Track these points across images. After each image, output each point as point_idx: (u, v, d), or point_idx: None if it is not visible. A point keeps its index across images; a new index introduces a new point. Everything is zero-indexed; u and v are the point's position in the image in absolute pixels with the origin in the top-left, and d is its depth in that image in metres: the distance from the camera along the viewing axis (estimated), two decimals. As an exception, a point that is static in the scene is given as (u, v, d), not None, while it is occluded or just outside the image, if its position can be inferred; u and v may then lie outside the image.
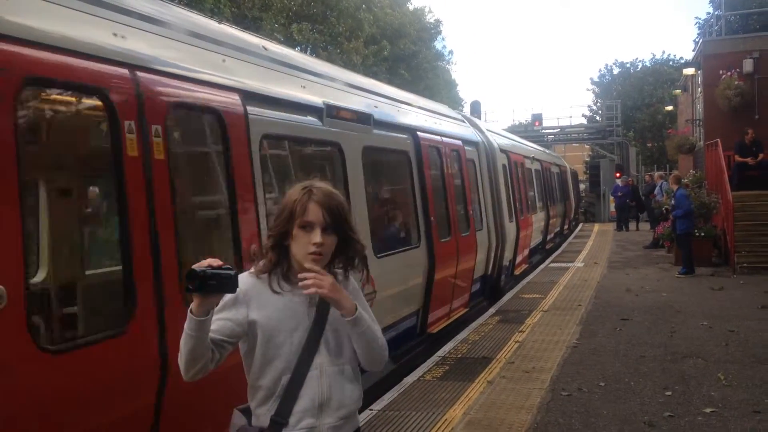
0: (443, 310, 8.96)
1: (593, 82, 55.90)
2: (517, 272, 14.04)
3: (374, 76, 18.95)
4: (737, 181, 15.68)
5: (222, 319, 2.39)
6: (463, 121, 11.89)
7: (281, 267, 2.48)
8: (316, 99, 5.93)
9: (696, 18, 60.28)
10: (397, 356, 7.30)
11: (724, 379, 6.52)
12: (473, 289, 10.32)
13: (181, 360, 2.32)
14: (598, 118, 47.86)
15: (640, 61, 53.86)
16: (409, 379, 6.77)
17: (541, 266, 16.02)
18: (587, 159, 55.01)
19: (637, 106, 48.39)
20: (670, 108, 37.02)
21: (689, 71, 21.81)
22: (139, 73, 3.78)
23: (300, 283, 2.38)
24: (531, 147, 20.50)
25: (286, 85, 5.60)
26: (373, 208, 7.25)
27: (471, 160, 10.72)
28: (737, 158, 16.30)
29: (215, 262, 2.23)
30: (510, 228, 12.63)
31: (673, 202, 14.34)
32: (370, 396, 5.83)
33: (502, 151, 13.20)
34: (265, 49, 5.62)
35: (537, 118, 40.25)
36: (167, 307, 3.76)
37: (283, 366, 2.42)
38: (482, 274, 10.92)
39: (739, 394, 6.11)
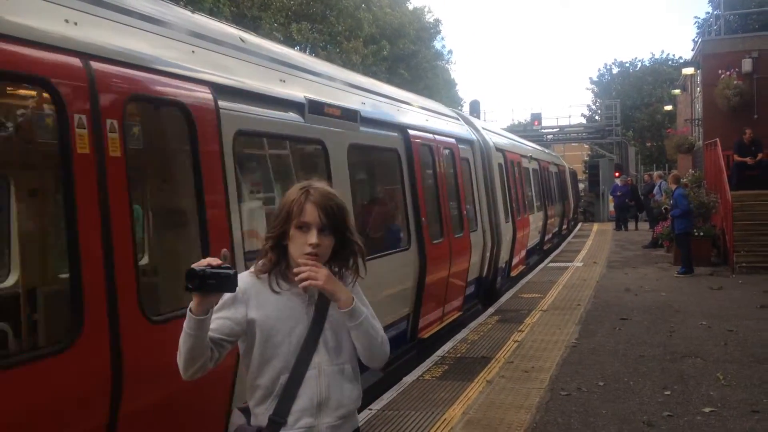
0: (435, 314, 8.67)
1: (592, 82, 55.92)
2: (513, 274, 13.77)
3: (374, 75, 18.92)
4: (736, 180, 15.70)
5: (221, 318, 2.39)
6: (457, 119, 11.59)
7: (280, 266, 2.48)
8: (297, 94, 5.62)
9: (695, 17, 60.34)
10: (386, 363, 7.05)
11: (723, 379, 6.53)
12: (467, 291, 10.06)
13: (180, 359, 2.32)
14: (597, 117, 47.92)
15: (639, 60, 53.94)
16: (408, 379, 6.77)
17: (540, 266, 16.02)
18: (586, 158, 55.04)
19: (636, 105, 48.42)
20: (669, 107, 37.01)
21: (688, 71, 21.84)
22: (94, 63, 3.48)
23: (296, 278, 2.38)
24: (528, 146, 20.32)
25: (265, 79, 5.28)
26: (359, 208, 7.07)
27: (465, 159, 10.47)
28: (736, 158, 16.32)
29: (215, 261, 2.24)
30: (506, 229, 12.36)
31: (671, 201, 14.36)
32: (369, 395, 5.82)
33: (498, 149, 12.94)
34: (243, 41, 5.31)
35: (536, 117, 40.26)
36: (122, 320, 3.47)
37: (282, 365, 2.42)
38: (477, 276, 10.64)
39: (738, 393, 6.12)
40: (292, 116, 5.50)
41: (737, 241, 14.13)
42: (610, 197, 28.98)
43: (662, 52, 79.46)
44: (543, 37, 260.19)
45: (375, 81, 9.03)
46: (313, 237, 2.40)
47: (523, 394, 6.20)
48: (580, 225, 30.84)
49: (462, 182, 9.96)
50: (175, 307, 4.07)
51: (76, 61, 3.38)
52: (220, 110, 4.40)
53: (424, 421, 5.55)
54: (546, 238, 19.57)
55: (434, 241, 8.25)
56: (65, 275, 3.40)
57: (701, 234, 14.83)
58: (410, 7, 41.45)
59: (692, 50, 24.58)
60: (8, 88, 3.78)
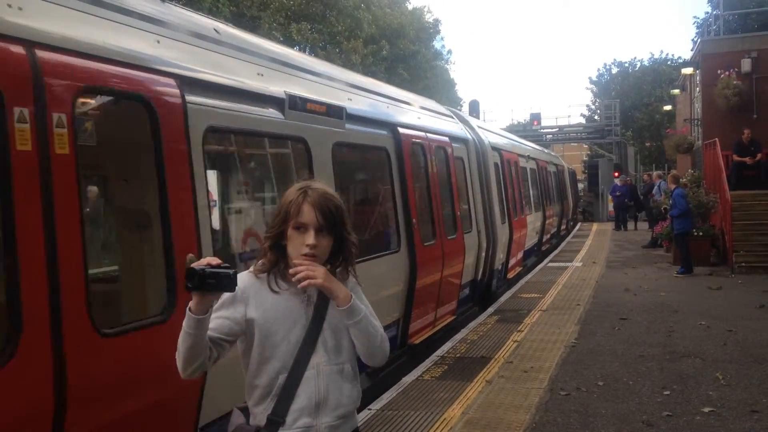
0: (427, 319, 8.34)
1: (592, 82, 55.98)
2: (510, 276, 13.47)
3: (373, 75, 18.92)
4: (735, 180, 15.72)
5: (220, 318, 2.39)
6: (452, 117, 11.24)
7: (279, 266, 2.48)
8: (276, 89, 5.31)
9: (694, 17, 60.50)
10: (374, 371, 6.65)
11: (722, 379, 6.53)
12: (461, 295, 9.76)
13: (179, 358, 2.32)
14: (596, 117, 47.98)
15: (638, 60, 54.04)
16: (408, 379, 6.76)
17: (540, 266, 16.02)
18: (585, 158, 55.08)
19: (635, 105, 48.45)
20: (668, 107, 37.03)
21: (687, 71, 21.85)
22: (39, 51, 3.20)
23: (293, 277, 2.38)
24: (526, 145, 20.11)
25: (241, 73, 4.97)
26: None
27: (459, 158, 10.15)
28: (735, 158, 16.35)
29: (214, 260, 2.24)
30: (502, 230, 12.07)
31: (670, 201, 14.36)
32: (368, 395, 5.81)
33: (494, 149, 12.69)
34: (218, 32, 4.99)
35: (535, 117, 40.32)
36: (67, 334, 3.18)
37: (280, 365, 2.42)
38: (471, 279, 10.33)
39: (738, 393, 6.12)
40: (271, 112, 5.20)
41: (736, 241, 14.14)
42: (610, 197, 28.98)
43: (661, 52, 79.90)
44: (543, 37, 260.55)
45: (363, 77, 8.69)
46: (310, 238, 2.40)
47: (523, 394, 6.20)
48: (579, 225, 30.85)
49: (456, 182, 9.66)
50: (132, 318, 3.84)
51: (18, 50, 3.12)
52: (188, 104, 4.12)
53: (423, 421, 5.54)
54: (544, 238, 19.44)
55: (425, 243, 7.97)
56: (1, 285, 3.10)
57: (700, 234, 14.84)
58: (410, 7, 41.47)
59: (691, 50, 24.61)
60: None
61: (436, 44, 44.36)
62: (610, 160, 35.23)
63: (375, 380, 6.71)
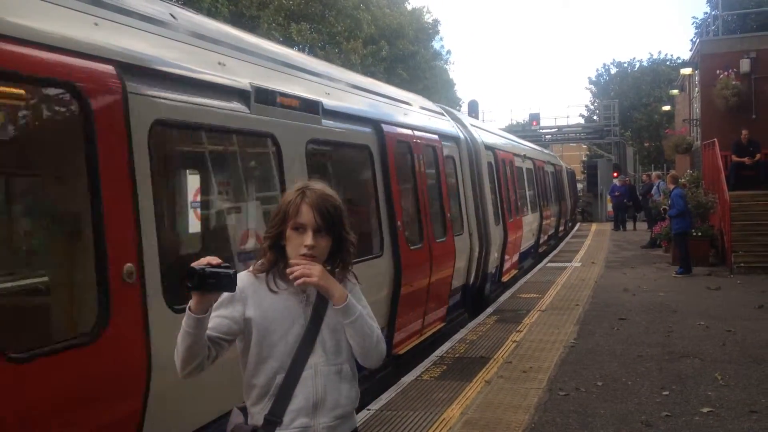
0: (414, 327, 7.88)
1: (591, 82, 56.07)
2: (505, 279, 13.03)
3: (372, 75, 18.92)
4: (734, 180, 15.74)
5: (219, 317, 2.40)
6: (442, 114, 10.68)
7: (278, 266, 2.48)
8: (240, 80, 4.85)
9: (693, 18, 60.66)
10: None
11: (721, 379, 6.53)
12: (452, 301, 9.32)
13: (178, 357, 2.32)
14: (595, 117, 48.05)
15: (637, 60, 54.16)
16: (407, 379, 6.76)
17: (539, 266, 16.02)
18: (584, 159, 55.08)
19: (634, 105, 48.52)
20: (667, 108, 37.10)
21: (686, 71, 21.88)
22: None
23: (290, 276, 2.39)
24: (522, 145, 19.76)
25: (198, 61, 4.50)
26: None
27: (450, 157, 9.71)
28: (734, 158, 16.36)
29: (214, 260, 2.24)
30: (496, 232, 11.62)
31: (669, 201, 14.38)
32: (367, 396, 5.79)
33: (488, 147, 12.25)
34: (174, 17, 4.52)
35: (534, 117, 40.36)
36: None
37: (278, 365, 2.42)
38: (463, 284, 9.89)
39: (736, 393, 6.12)
40: (234, 106, 4.74)
41: (735, 241, 14.16)
42: (609, 197, 29.01)
43: (660, 52, 79.93)
44: (542, 37, 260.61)
45: (343, 69, 8.17)
46: (308, 238, 2.40)
47: (522, 394, 6.20)
48: (578, 225, 30.87)
49: (445, 182, 9.19)
50: (51, 340, 3.31)
51: None
52: (129, 94, 3.65)
53: (422, 422, 5.54)
54: (541, 240, 19.23)
55: (412, 247, 7.55)
56: None
57: (699, 234, 14.86)
58: (409, 7, 41.45)
59: (690, 50, 24.65)
60: None
61: (436, 44, 44.38)
62: (609, 161, 35.25)
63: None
